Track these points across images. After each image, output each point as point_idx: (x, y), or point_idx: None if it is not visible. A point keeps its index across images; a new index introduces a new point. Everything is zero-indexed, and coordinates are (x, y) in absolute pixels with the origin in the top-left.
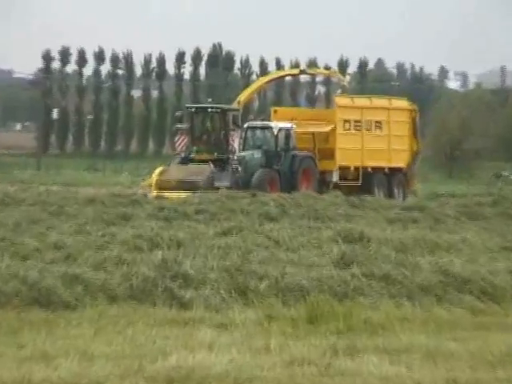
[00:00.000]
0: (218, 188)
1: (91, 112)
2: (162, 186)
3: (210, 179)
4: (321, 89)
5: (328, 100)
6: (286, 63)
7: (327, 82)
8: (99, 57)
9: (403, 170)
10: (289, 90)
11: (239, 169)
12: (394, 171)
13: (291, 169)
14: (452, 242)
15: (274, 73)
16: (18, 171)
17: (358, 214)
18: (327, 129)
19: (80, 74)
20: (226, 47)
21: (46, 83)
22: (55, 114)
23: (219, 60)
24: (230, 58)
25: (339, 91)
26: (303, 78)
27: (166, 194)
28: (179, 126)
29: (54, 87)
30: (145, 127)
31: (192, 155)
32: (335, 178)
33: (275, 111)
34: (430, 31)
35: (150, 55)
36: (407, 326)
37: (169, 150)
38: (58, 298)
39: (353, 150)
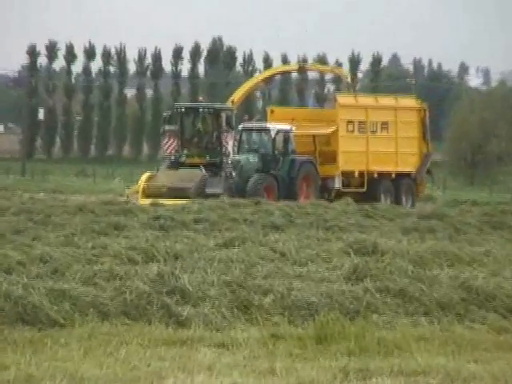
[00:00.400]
0: (209, 195)
1: (80, 113)
2: (149, 193)
3: (200, 185)
4: (330, 87)
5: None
6: (293, 59)
7: (337, 79)
8: (89, 52)
9: (412, 174)
10: (296, 88)
11: (233, 174)
12: (401, 176)
13: (290, 174)
14: (474, 255)
15: (270, 69)
16: (0, 177)
17: (371, 223)
18: (329, 130)
19: (68, 71)
20: (226, 42)
21: (31, 81)
22: (41, 114)
23: (220, 56)
24: (231, 53)
25: (346, 88)
26: (311, 75)
27: (162, 200)
28: (167, 127)
29: (39, 86)
30: (139, 129)
31: (182, 159)
32: (338, 184)
33: (272, 111)
34: (448, 25)
35: (145, 51)
36: (425, 347)
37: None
38: (44, 316)
39: (357, 154)
